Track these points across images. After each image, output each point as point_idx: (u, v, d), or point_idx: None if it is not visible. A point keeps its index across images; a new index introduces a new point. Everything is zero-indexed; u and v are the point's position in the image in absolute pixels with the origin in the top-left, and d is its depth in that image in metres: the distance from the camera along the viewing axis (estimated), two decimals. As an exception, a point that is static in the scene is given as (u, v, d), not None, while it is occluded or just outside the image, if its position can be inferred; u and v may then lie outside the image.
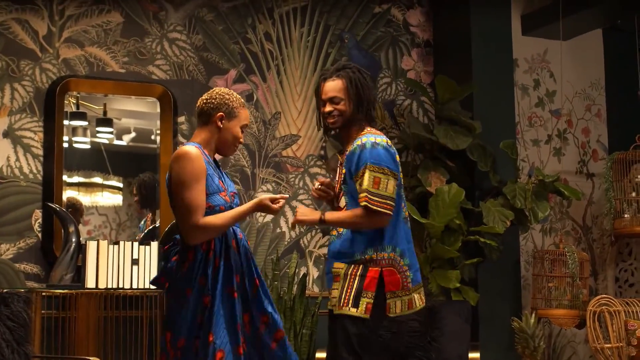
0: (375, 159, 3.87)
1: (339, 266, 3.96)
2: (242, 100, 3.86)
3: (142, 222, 5.91)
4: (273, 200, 3.72)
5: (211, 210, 3.68)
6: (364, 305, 3.88)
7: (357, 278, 3.90)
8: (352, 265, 3.93)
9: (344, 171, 3.99)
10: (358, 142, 3.93)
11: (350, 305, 3.89)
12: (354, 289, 3.90)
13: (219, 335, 3.57)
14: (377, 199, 3.85)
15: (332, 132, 4.09)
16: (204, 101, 3.80)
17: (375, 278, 3.89)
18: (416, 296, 4.01)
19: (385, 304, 3.92)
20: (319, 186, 4.08)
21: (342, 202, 4.02)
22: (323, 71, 4.14)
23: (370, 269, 3.90)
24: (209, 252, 3.68)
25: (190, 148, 3.68)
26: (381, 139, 3.94)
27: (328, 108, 3.99)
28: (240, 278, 3.73)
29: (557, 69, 6.85)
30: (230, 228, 3.74)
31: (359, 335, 3.89)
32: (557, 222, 6.79)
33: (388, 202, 3.87)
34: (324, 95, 3.99)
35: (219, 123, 3.76)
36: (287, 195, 3.84)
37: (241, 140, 3.83)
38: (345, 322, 3.91)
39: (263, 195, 3.76)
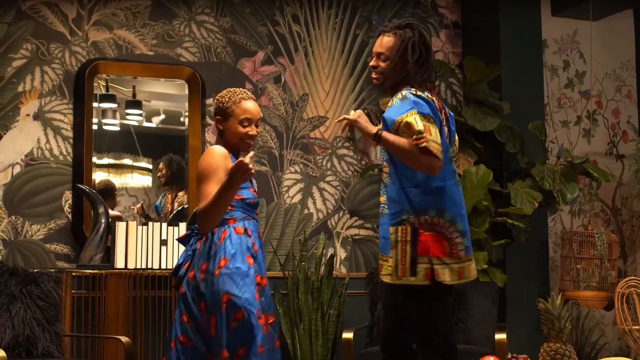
0: (419, 107, 3.77)
1: (391, 230, 3.84)
2: (244, 94, 3.85)
3: (160, 199, 5.93)
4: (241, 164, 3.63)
5: (242, 202, 3.83)
6: (422, 272, 3.76)
7: (408, 244, 3.78)
8: (400, 229, 3.80)
9: (380, 127, 3.87)
10: (398, 95, 3.84)
11: (408, 274, 3.77)
12: (407, 257, 3.77)
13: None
14: (432, 143, 3.69)
15: (377, 87, 4.04)
16: (213, 108, 3.96)
17: (427, 243, 3.76)
18: (470, 265, 3.88)
19: (431, 271, 3.79)
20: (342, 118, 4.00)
21: (382, 163, 3.91)
22: (386, 23, 4.05)
23: (420, 232, 3.78)
24: (239, 231, 3.80)
25: (216, 146, 3.85)
26: (421, 93, 3.83)
27: (372, 62, 3.94)
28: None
29: (587, 50, 6.80)
30: (257, 223, 3.87)
31: (420, 304, 3.83)
32: (586, 204, 6.76)
33: (439, 147, 3.72)
34: (374, 48, 3.94)
35: (219, 125, 3.89)
36: (253, 153, 3.66)
37: (248, 133, 3.84)
38: (408, 294, 3.82)
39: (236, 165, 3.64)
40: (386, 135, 3.76)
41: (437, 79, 3.94)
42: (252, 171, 3.58)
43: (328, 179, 6.18)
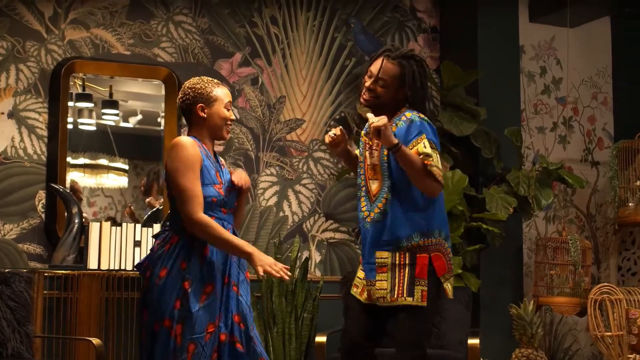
0: (428, 132, 3.81)
1: (383, 255, 3.87)
2: (216, 81, 3.80)
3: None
4: (273, 266, 3.60)
5: (204, 200, 3.65)
6: (420, 293, 3.81)
7: (406, 267, 3.83)
8: (398, 254, 3.85)
9: (385, 152, 3.85)
10: (403, 117, 3.85)
11: (405, 295, 3.82)
12: (406, 279, 3.82)
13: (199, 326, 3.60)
14: (436, 169, 3.77)
15: (363, 106, 4.00)
16: (181, 100, 3.78)
17: (425, 265, 3.82)
18: (450, 284, 3.97)
19: (441, 289, 3.87)
20: (334, 134, 3.99)
21: (375, 185, 3.90)
22: (390, 47, 3.96)
23: (418, 256, 3.83)
24: (194, 239, 3.65)
25: (185, 137, 3.70)
26: (425, 117, 3.87)
27: (369, 84, 3.90)
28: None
29: (563, 56, 6.82)
30: (222, 222, 3.69)
31: (419, 326, 3.86)
32: (561, 210, 6.78)
33: (441, 173, 3.81)
34: (375, 70, 3.90)
35: (202, 113, 3.73)
36: (289, 276, 3.62)
37: (232, 117, 3.78)
38: (402, 314, 3.85)
39: (268, 259, 3.60)
40: (404, 149, 3.74)
41: (430, 105, 3.97)
42: (285, 277, 3.58)
43: (304, 181, 6.17)
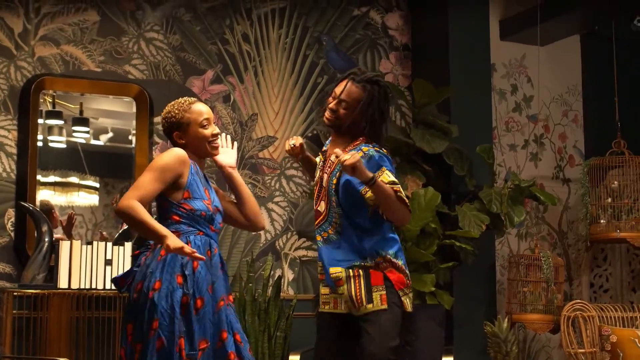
0: (387, 165, 3.86)
1: (336, 270, 3.91)
2: (189, 100, 3.78)
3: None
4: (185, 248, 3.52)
5: (192, 213, 3.66)
6: (378, 298, 3.86)
7: (361, 278, 3.87)
8: (351, 270, 3.90)
9: (335, 181, 3.90)
10: (359, 153, 3.82)
11: (365, 303, 3.86)
12: (362, 288, 3.87)
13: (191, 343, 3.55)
14: (404, 195, 3.82)
15: (324, 126, 4.06)
16: (162, 128, 3.82)
17: (380, 277, 3.87)
18: (409, 298, 3.99)
19: (400, 301, 3.89)
20: (292, 145, 4.04)
21: (322, 206, 3.96)
22: (356, 70, 4.00)
23: (371, 271, 3.88)
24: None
25: (178, 149, 3.70)
26: (381, 149, 3.92)
27: (332, 105, 3.93)
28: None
29: (534, 74, 6.87)
30: (209, 240, 3.69)
31: (385, 326, 3.85)
32: (533, 227, 6.80)
33: (407, 201, 3.85)
34: (339, 91, 3.91)
35: (180, 140, 3.75)
36: (200, 257, 3.56)
37: (213, 133, 3.75)
38: (365, 322, 3.87)
39: (180, 243, 3.51)
40: (379, 182, 3.73)
41: (387, 133, 4.00)
42: (194, 258, 3.52)
43: (276, 199, 6.15)
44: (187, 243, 3.61)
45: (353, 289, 3.88)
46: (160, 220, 3.67)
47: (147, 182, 3.58)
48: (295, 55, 6.32)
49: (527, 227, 6.77)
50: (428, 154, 5.99)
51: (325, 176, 3.97)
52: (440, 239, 5.87)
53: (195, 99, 3.84)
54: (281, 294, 5.75)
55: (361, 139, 3.95)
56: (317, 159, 4.14)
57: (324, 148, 4.09)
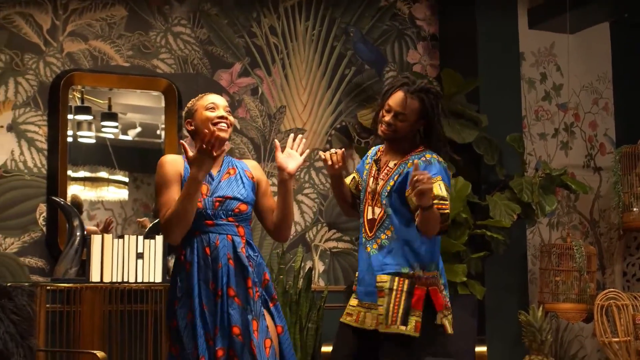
0: (444, 176, 3.82)
1: (383, 279, 3.84)
2: (207, 93, 3.81)
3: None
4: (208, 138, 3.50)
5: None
6: (413, 323, 3.79)
7: (403, 294, 3.81)
8: (397, 279, 3.83)
9: (392, 183, 3.87)
10: (422, 158, 3.83)
11: (398, 323, 3.79)
12: (401, 307, 3.80)
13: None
14: (448, 215, 3.76)
15: (379, 138, 4.00)
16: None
17: (422, 297, 3.81)
18: (449, 320, 3.95)
19: (435, 323, 3.85)
20: (334, 152, 3.98)
21: (376, 212, 3.89)
22: (406, 79, 3.92)
23: (416, 286, 3.82)
24: (180, 257, 3.68)
25: (166, 156, 3.76)
26: (442, 160, 3.88)
27: (389, 118, 3.86)
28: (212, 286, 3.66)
29: (564, 63, 6.81)
30: (207, 236, 3.65)
31: (410, 355, 3.83)
32: (565, 216, 6.75)
33: (449, 221, 3.81)
34: (393, 104, 3.85)
35: (190, 127, 3.77)
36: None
37: (217, 116, 3.70)
38: (391, 342, 3.83)
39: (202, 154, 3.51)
40: (434, 209, 3.65)
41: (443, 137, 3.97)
42: (221, 136, 3.52)
43: (306, 191, 6.14)
44: (182, 251, 3.66)
45: (392, 304, 3.81)
46: None
47: (167, 197, 3.62)
48: (323, 47, 6.30)
49: (558, 216, 6.72)
50: (458, 143, 5.95)
51: (381, 182, 3.91)
52: (472, 228, 5.84)
53: (214, 93, 3.84)
54: (312, 285, 5.76)
55: (421, 147, 3.92)
56: (348, 179, 4.15)
57: (373, 154, 4.05)
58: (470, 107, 6.14)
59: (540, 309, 4.66)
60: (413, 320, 3.78)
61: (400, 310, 3.79)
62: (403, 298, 3.80)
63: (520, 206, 5.89)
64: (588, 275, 6.02)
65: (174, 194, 3.63)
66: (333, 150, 4.00)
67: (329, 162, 4.01)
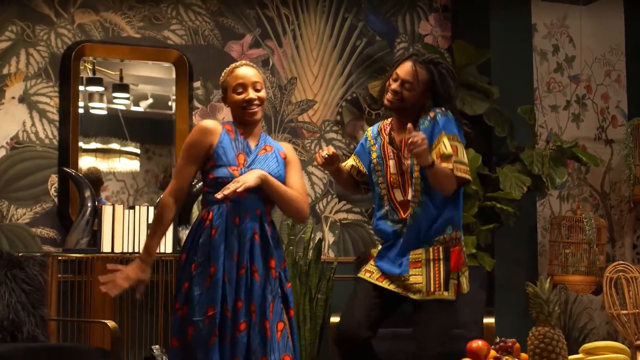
0: (447, 127, 3.82)
1: (417, 252, 3.88)
2: (238, 63, 3.75)
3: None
4: None
5: (214, 181, 3.63)
6: (453, 288, 3.88)
7: (441, 262, 3.87)
8: (432, 249, 3.88)
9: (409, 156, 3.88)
10: (427, 118, 3.86)
11: (442, 290, 3.85)
12: (442, 274, 3.86)
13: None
14: (460, 165, 3.80)
15: (386, 108, 4.03)
16: None
17: (458, 258, 3.89)
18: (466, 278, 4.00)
19: (459, 283, 3.93)
20: (326, 155, 3.95)
21: (409, 191, 3.90)
22: (417, 52, 4.05)
23: (451, 249, 3.89)
24: (206, 221, 3.64)
25: (204, 121, 3.73)
26: (447, 113, 3.88)
27: (395, 86, 3.89)
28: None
29: (576, 34, 6.77)
30: (238, 206, 3.62)
31: (450, 321, 3.92)
32: (575, 189, 6.75)
33: (466, 167, 3.84)
34: (401, 73, 3.88)
35: (225, 104, 3.78)
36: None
37: (245, 99, 3.67)
38: (439, 309, 3.87)
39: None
40: (437, 164, 3.72)
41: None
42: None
43: (316, 163, 6.14)
44: (209, 214, 3.63)
45: (432, 273, 3.86)
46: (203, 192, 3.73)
47: (179, 169, 3.68)
48: (334, 18, 6.29)
49: (568, 188, 6.72)
50: (469, 115, 5.94)
51: (407, 161, 3.91)
52: (481, 200, 5.85)
53: (245, 62, 3.77)
54: (322, 256, 5.78)
55: (427, 112, 3.92)
56: (347, 165, 4.16)
57: (382, 138, 4.03)
58: (482, 79, 6.12)
59: (548, 280, 4.62)
60: (453, 284, 3.87)
61: (442, 277, 3.86)
62: (442, 265, 3.86)
63: (531, 178, 5.89)
64: (598, 248, 6.03)
65: (189, 168, 3.66)
66: (324, 153, 3.95)
67: (325, 164, 3.99)
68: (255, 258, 3.62)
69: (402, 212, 3.93)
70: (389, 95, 3.91)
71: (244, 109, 3.69)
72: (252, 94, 3.68)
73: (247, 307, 3.58)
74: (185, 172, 3.67)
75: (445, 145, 3.77)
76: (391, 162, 3.97)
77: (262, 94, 3.72)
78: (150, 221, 5.27)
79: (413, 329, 3.96)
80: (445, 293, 3.85)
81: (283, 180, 3.74)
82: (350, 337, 3.93)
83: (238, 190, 3.49)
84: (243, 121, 3.73)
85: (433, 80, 3.88)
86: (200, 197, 5.61)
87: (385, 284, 3.93)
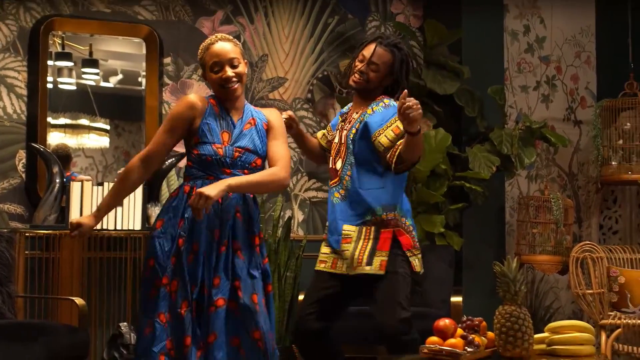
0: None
1: (350, 229, 4.01)
2: (213, 38, 3.74)
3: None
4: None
5: (198, 158, 3.66)
6: (378, 263, 3.95)
7: (370, 240, 3.98)
8: (364, 228, 4.00)
9: (354, 131, 4.03)
10: (380, 104, 4.02)
11: (364, 264, 3.95)
12: (367, 250, 3.97)
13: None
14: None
15: (350, 89, 4.16)
16: None
17: (388, 239, 3.97)
18: (418, 259, 4.10)
19: (407, 261, 4.00)
20: (289, 120, 4.15)
21: (339, 163, 4.06)
22: (382, 35, 4.17)
23: (382, 230, 3.98)
24: (190, 196, 3.64)
25: (190, 95, 3.72)
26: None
27: (362, 67, 4.04)
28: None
29: (547, 15, 6.80)
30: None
31: (396, 288, 3.95)
32: (543, 169, 6.79)
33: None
34: (367, 54, 4.03)
35: (207, 80, 3.78)
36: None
37: (222, 77, 3.67)
38: (365, 282, 3.97)
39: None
40: (419, 135, 3.79)
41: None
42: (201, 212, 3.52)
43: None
44: (192, 189, 3.63)
45: (358, 249, 3.98)
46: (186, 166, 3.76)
47: (157, 135, 3.71)
48: (306, -5, 6.27)
49: (537, 168, 6.76)
50: (439, 95, 5.97)
51: (345, 132, 4.09)
52: (451, 180, 5.87)
53: (220, 37, 3.74)
54: (291, 234, 5.79)
55: (381, 96, 4.08)
56: (320, 134, 4.34)
57: (345, 111, 4.21)
58: (453, 59, 6.13)
59: (515, 260, 4.69)
60: (378, 260, 3.95)
61: (366, 253, 3.96)
62: (370, 243, 3.98)
63: (500, 158, 5.92)
64: (565, 228, 6.08)
65: (167, 137, 3.68)
66: (289, 115, 4.15)
67: (288, 125, 4.12)
68: (237, 235, 3.66)
69: (332, 180, 4.10)
70: (355, 76, 4.06)
71: (222, 87, 3.70)
72: (229, 71, 3.68)
73: (231, 283, 3.60)
74: (163, 140, 3.69)
75: (399, 126, 3.88)
76: (337, 133, 4.15)
77: (240, 68, 3.71)
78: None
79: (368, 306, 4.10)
80: (367, 268, 3.94)
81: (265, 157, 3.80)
82: (301, 329, 4.11)
83: (206, 210, 3.51)
84: (224, 98, 3.74)
85: (394, 63, 4.03)
86: (169, 174, 5.61)
87: (338, 269, 4.06)
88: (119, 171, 3.72)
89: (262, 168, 3.78)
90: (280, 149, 3.77)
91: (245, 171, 3.69)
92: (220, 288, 3.59)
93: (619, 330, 5.40)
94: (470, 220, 6.12)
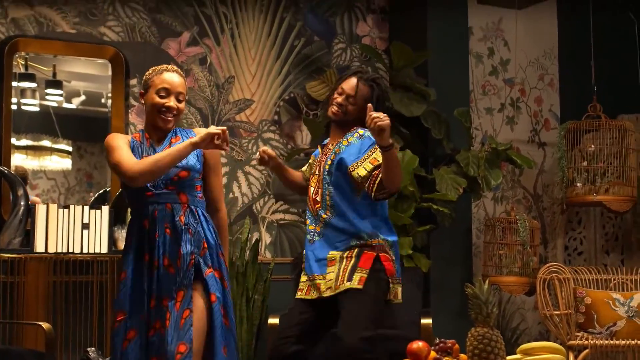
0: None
1: (334, 254, 4.06)
2: (169, 67, 3.77)
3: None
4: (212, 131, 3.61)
5: (126, 191, 3.76)
6: (357, 278, 3.96)
7: (352, 259, 4.01)
8: (348, 251, 4.04)
9: (329, 162, 4.09)
10: (355, 134, 4.08)
11: (345, 281, 3.97)
12: (349, 267, 4.00)
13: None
14: None
15: (329, 119, 4.22)
16: None
17: (370, 259, 4.01)
18: (400, 289, 4.14)
19: (387, 285, 4.04)
20: (263, 154, 4.18)
21: (319, 194, 4.10)
22: (360, 69, 4.37)
23: (365, 251, 4.02)
24: (129, 231, 3.74)
25: (110, 135, 3.75)
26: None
27: (341, 100, 4.11)
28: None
29: (511, 38, 6.86)
30: (148, 208, 3.67)
31: (361, 307, 3.95)
32: (509, 191, 6.83)
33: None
34: (347, 88, 4.12)
35: (141, 100, 3.77)
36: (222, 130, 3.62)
37: (165, 105, 3.69)
38: (349, 298, 3.97)
39: (203, 131, 3.64)
40: (394, 150, 3.87)
41: None
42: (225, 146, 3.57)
43: (253, 162, 6.11)
44: (132, 226, 3.73)
45: (342, 269, 4.01)
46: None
47: (120, 155, 3.61)
48: (272, 17, 6.26)
49: (503, 190, 6.80)
50: (406, 117, 5.98)
51: (322, 163, 4.15)
52: (418, 202, 5.88)
53: (176, 69, 3.79)
54: (259, 257, 5.75)
55: (355, 127, 4.14)
56: (305, 168, 4.40)
57: (325, 142, 4.26)
58: (419, 81, 6.15)
59: (487, 282, 4.71)
60: (357, 276, 3.97)
61: (347, 271, 3.99)
62: (352, 262, 4.01)
63: (466, 180, 5.94)
64: (531, 249, 6.11)
65: (124, 151, 3.63)
66: (262, 150, 4.19)
67: (262, 162, 4.21)
68: (167, 252, 3.63)
69: (313, 211, 4.13)
70: (334, 108, 4.14)
71: (160, 113, 3.70)
72: (173, 102, 3.71)
73: (160, 303, 3.59)
74: (124, 152, 3.63)
75: (378, 158, 3.93)
76: (316, 165, 4.21)
77: (182, 105, 3.76)
78: (84, 221, 5.19)
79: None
80: (348, 283, 3.96)
81: (197, 169, 3.75)
82: (276, 353, 4.11)
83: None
84: (155, 125, 3.74)
85: (372, 98, 4.10)
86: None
87: (313, 295, 4.09)
88: (122, 184, 3.74)
89: (191, 180, 3.73)
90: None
91: (170, 187, 3.68)
92: (155, 310, 3.62)
93: (587, 350, 5.42)
94: (438, 241, 6.13)
